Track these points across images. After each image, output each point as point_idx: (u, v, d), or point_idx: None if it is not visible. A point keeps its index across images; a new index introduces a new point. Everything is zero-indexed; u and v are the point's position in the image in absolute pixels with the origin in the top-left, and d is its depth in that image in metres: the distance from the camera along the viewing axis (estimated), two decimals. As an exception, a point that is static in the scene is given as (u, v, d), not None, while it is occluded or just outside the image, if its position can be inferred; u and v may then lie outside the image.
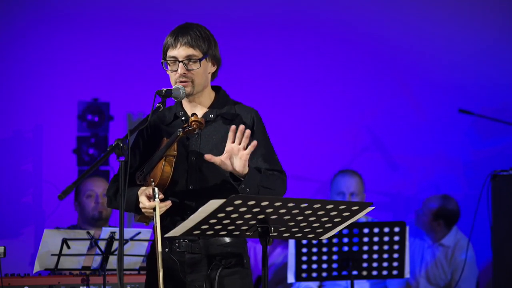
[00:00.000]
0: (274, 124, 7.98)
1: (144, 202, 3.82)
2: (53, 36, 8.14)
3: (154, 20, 8.15)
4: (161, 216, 3.79)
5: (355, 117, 8.52)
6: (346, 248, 6.11)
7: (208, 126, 3.95)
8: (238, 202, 3.45)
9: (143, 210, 3.84)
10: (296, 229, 3.68)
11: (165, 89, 3.84)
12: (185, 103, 4.00)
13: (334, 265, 6.12)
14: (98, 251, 5.60)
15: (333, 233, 3.75)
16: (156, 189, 3.79)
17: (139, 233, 5.63)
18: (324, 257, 6.12)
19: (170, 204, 3.86)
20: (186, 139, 3.93)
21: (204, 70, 3.94)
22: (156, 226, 3.76)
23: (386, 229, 6.11)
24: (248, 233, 3.66)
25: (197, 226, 3.56)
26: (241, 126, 3.75)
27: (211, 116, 3.96)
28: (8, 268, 5.65)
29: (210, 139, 3.94)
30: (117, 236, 5.56)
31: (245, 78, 8.31)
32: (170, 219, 3.90)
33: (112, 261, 5.61)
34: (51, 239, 5.52)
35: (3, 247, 4.95)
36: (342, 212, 3.62)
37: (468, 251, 7.19)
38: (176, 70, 3.90)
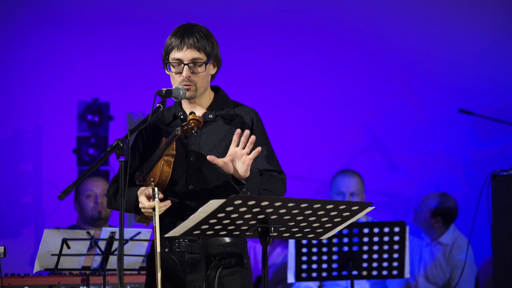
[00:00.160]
0: (274, 124, 7.98)
1: (143, 202, 3.82)
2: (53, 36, 8.14)
3: (154, 20, 8.15)
4: (160, 216, 3.79)
5: (355, 117, 8.52)
6: (346, 248, 6.11)
7: (208, 126, 3.95)
8: (238, 202, 3.45)
9: (142, 210, 3.84)
10: (296, 229, 3.68)
11: (165, 89, 3.84)
12: (185, 104, 4.00)
13: (334, 265, 6.12)
14: (98, 251, 5.60)
15: (333, 233, 3.75)
16: (156, 189, 3.78)
17: (139, 233, 5.63)
18: (324, 257, 6.12)
19: (170, 204, 3.85)
20: (185, 138, 3.93)
21: (207, 72, 3.94)
22: (155, 226, 3.75)
23: (386, 229, 6.11)
24: (248, 233, 3.66)
25: (197, 226, 3.56)
26: (246, 131, 3.75)
27: (211, 116, 3.96)
28: (8, 268, 5.65)
29: (209, 139, 3.94)
30: (117, 236, 5.56)
31: (245, 78, 8.31)
32: (169, 219, 3.90)
33: (112, 261, 5.61)
34: (51, 239, 5.52)
35: (3, 247, 4.95)
36: (342, 212, 3.62)
37: (467, 250, 7.19)
38: (180, 73, 3.89)
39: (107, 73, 8.19)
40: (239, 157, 3.74)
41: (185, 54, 3.87)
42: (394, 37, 8.54)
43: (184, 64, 3.87)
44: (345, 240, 6.11)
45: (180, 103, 3.99)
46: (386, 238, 6.11)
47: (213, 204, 3.45)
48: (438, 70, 8.55)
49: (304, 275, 6.13)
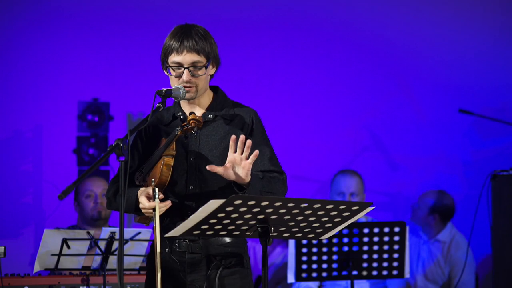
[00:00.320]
0: (274, 124, 7.99)
1: (144, 202, 3.81)
2: (53, 36, 8.14)
3: (154, 20, 8.15)
4: (161, 216, 3.79)
5: (355, 117, 8.52)
6: (346, 248, 6.11)
7: (207, 126, 3.95)
8: (238, 202, 3.45)
9: (143, 210, 3.84)
10: (296, 229, 3.68)
11: (165, 89, 3.83)
12: (184, 104, 3.99)
13: (334, 265, 6.12)
14: (98, 251, 5.60)
15: (333, 233, 3.75)
16: (156, 189, 3.78)
17: (139, 233, 5.63)
18: (324, 257, 6.12)
19: (170, 204, 3.85)
20: (185, 138, 3.93)
21: (207, 74, 3.94)
22: (155, 226, 3.75)
23: (386, 229, 6.11)
24: (248, 233, 3.66)
25: (197, 226, 3.56)
26: (242, 137, 3.75)
27: (210, 116, 3.95)
28: (8, 268, 5.65)
29: (209, 139, 3.94)
30: (117, 236, 5.56)
31: (245, 78, 8.31)
32: (170, 220, 3.90)
33: (112, 261, 5.61)
34: (51, 239, 5.52)
35: (3, 247, 4.95)
36: (342, 212, 3.62)
37: (467, 250, 7.19)
38: (180, 76, 3.88)
39: (107, 73, 8.19)
40: (238, 162, 3.74)
41: (185, 58, 3.86)
42: (394, 37, 8.54)
43: (184, 68, 3.87)
44: (345, 240, 6.11)
45: (179, 103, 3.99)
46: (386, 238, 6.11)
47: (213, 204, 3.45)
48: (438, 70, 8.55)
49: (304, 275, 6.13)
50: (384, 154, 8.54)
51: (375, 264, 6.12)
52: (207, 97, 3.99)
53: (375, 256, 6.11)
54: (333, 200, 3.64)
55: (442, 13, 8.54)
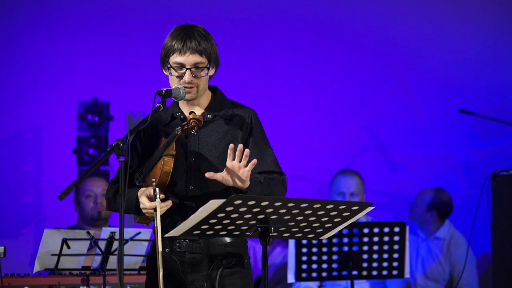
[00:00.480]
0: (274, 124, 7.99)
1: (144, 202, 3.81)
2: (53, 36, 8.14)
3: (154, 20, 8.15)
4: (161, 216, 3.79)
5: (355, 117, 8.52)
6: (346, 248, 6.11)
7: (206, 126, 3.95)
8: (238, 202, 3.45)
9: (144, 211, 3.84)
10: (296, 229, 3.68)
11: (165, 89, 3.83)
12: (182, 104, 3.99)
13: (334, 265, 6.12)
14: (98, 251, 5.60)
15: (333, 233, 3.75)
16: (157, 189, 3.78)
17: (139, 233, 5.63)
18: (324, 257, 6.12)
19: (171, 204, 3.85)
20: (185, 138, 3.93)
21: (208, 75, 3.94)
22: (156, 226, 3.75)
23: (386, 229, 6.11)
24: (248, 233, 3.66)
25: (197, 226, 3.56)
26: (240, 146, 3.75)
27: (209, 116, 3.95)
28: (8, 268, 5.65)
29: (208, 140, 3.94)
30: (117, 236, 5.56)
31: (245, 78, 8.31)
32: (170, 220, 3.90)
33: (112, 261, 5.61)
34: (51, 239, 5.52)
35: (3, 247, 4.95)
36: (342, 212, 3.62)
37: (467, 250, 7.19)
38: (181, 77, 3.88)
39: (107, 73, 8.19)
40: (237, 170, 3.74)
41: (188, 58, 3.86)
42: (394, 37, 8.54)
43: (187, 69, 3.87)
44: (345, 240, 6.11)
45: (178, 103, 3.99)
46: (386, 238, 6.11)
47: (213, 204, 3.45)
48: (438, 70, 8.55)
49: (304, 275, 6.13)
50: (384, 154, 8.54)
51: (375, 264, 6.12)
52: (205, 97, 3.99)
53: (375, 256, 6.11)
54: (333, 200, 3.64)
55: (442, 13, 8.54)
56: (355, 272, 6.11)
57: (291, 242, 6.15)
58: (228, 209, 3.47)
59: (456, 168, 8.52)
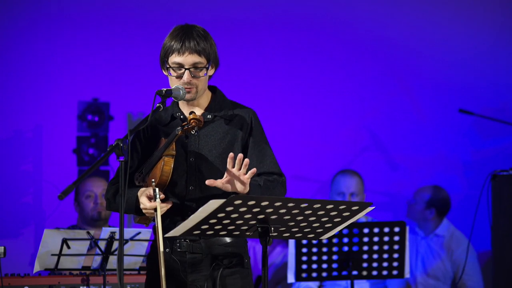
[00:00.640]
0: (274, 124, 7.99)
1: (145, 202, 3.81)
2: (53, 36, 8.14)
3: (154, 20, 8.15)
4: (161, 216, 3.79)
5: (355, 117, 8.52)
6: (346, 248, 6.11)
7: (206, 126, 3.94)
8: (238, 202, 3.45)
9: (144, 211, 3.84)
10: (296, 229, 3.68)
11: (165, 89, 3.83)
12: (182, 104, 3.99)
13: (334, 265, 6.12)
14: (98, 251, 5.60)
15: (333, 233, 3.75)
16: (157, 189, 3.78)
17: (139, 233, 5.63)
18: (324, 257, 6.12)
19: (171, 204, 3.85)
20: (185, 138, 3.93)
21: (207, 75, 3.94)
22: (157, 226, 3.76)
23: (386, 229, 6.11)
24: (248, 233, 3.66)
25: (197, 226, 3.56)
26: (240, 155, 3.75)
27: (209, 116, 3.95)
28: (8, 268, 5.65)
29: (208, 140, 3.94)
30: (117, 236, 5.56)
31: (245, 78, 8.31)
32: (170, 220, 3.90)
33: (112, 261, 5.61)
34: (51, 239, 5.52)
35: (3, 247, 4.95)
36: (342, 212, 3.62)
37: (467, 250, 7.19)
38: (181, 77, 3.88)
39: (107, 73, 8.19)
40: (237, 177, 3.75)
41: (186, 58, 3.86)
42: (394, 37, 8.54)
43: (186, 69, 3.87)
44: (345, 240, 6.11)
45: (177, 104, 3.99)
46: (386, 238, 6.12)
47: (213, 204, 3.45)
48: (438, 70, 8.55)
49: (304, 275, 6.13)
50: (384, 154, 8.54)
51: (375, 264, 6.12)
52: (205, 97, 3.99)
53: (375, 256, 6.11)
54: (333, 200, 3.64)
55: (442, 13, 8.54)
56: (355, 272, 6.11)
57: (291, 242, 6.15)
58: (228, 209, 3.47)
59: (456, 168, 8.52)
